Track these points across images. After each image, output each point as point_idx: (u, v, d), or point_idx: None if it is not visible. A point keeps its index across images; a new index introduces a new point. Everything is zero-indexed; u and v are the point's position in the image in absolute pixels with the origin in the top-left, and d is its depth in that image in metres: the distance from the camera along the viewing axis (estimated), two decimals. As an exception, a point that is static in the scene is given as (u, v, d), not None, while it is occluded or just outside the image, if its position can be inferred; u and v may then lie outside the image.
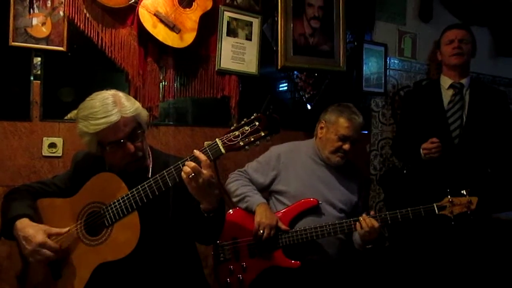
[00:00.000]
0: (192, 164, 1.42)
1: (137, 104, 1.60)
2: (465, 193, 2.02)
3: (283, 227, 2.07)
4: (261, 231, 2.02)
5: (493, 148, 2.47)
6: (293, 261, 2.06)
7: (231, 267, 2.10)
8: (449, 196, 2.02)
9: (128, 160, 1.58)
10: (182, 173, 1.43)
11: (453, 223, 2.00)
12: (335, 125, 2.17)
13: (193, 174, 1.41)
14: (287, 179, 2.20)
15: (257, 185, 2.24)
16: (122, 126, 1.53)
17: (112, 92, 1.59)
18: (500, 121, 2.49)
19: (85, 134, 1.55)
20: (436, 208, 2.02)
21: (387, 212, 2.05)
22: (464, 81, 2.52)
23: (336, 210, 2.17)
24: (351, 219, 2.05)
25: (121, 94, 1.60)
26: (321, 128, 2.25)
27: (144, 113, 1.62)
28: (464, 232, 2.38)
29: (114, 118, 1.50)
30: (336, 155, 2.18)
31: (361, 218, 2.01)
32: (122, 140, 1.54)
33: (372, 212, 2.05)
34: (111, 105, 1.52)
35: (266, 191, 2.27)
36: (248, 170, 2.29)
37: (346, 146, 2.15)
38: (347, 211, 2.20)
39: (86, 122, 1.52)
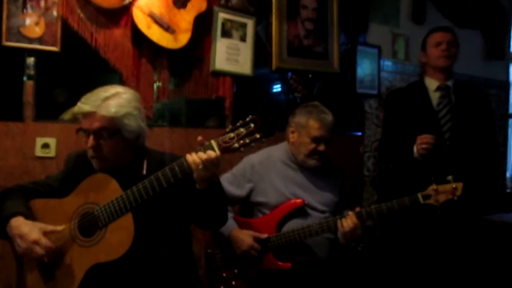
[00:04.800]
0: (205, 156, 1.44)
1: (128, 111, 1.58)
2: (450, 179, 1.97)
3: (262, 236, 2.06)
4: (247, 257, 2.04)
5: (481, 149, 2.50)
6: (284, 263, 2.07)
7: (224, 274, 2.10)
8: (433, 184, 1.99)
9: (89, 153, 1.59)
10: (196, 158, 1.45)
11: (439, 211, 1.97)
12: (306, 128, 2.13)
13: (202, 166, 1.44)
14: (265, 190, 2.17)
15: (233, 198, 2.19)
16: (93, 120, 1.55)
17: (122, 90, 1.62)
18: (484, 121, 2.55)
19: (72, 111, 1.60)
20: (420, 198, 1.99)
21: (372, 206, 2.04)
22: (449, 83, 2.56)
23: (318, 212, 2.16)
24: (337, 216, 2.05)
25: (126, 96, 1.60)
26: (292, 132, 2.20)
27: (132, 123, 1.59)
28: (457, 234, 2.41)
29: (87, 108, 1.54)
30: (312, 157, 2.15)
31: (343, 219, 2.01)
32: (84, 131, 1.57)
33: (357, 208, 2.04)
34: (100, 98, 1.55)
35: (245, 202, 2.24)
36: (223, 183, 2.19)
37: (321, 147, 2.13)
38: (330, 211, 2.20)
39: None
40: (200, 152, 1.46)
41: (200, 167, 1.44)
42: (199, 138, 1.49)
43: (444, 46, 2.52)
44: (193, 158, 1.46)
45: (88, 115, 1.55)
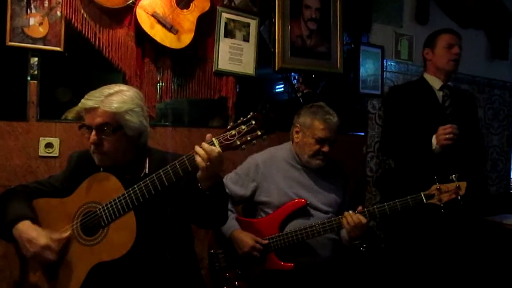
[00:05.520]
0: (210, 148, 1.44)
1: (130, 107, 1.59)
2: (453, 178, 1.96)
3: (263, 242, 2.06)
4: (249, 258, 2.03)
5: (478, 148, 2.57)
6: (286, 264, 2.06)
7: (227, 275, 2.10)
8: (436, 183, 1.97)
9: (91, 148, 1.61)
10: (202, 152, 1.44)
11: (442, 211, 1.96)
12: (311, 128, 2.13)
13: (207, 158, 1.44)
14: (268, 189, 2.17)
15: (237, 198, 2.20)
16: (96, 115, 1.56)
17: (125, 88, 1.64)
18: (475, 121, 2.67)
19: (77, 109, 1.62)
20: (423, 197, 1.97)
21: (374, 206, 2.04)
22: (450, 83, 2.63)
23: (322, 213, 2.16)
24: (339, 216, 2.04)
25: (129, 93, 1.62)
26: (297, 132, 2.21)
27: (134, 120, 1.60)
28: (460, 235, 2.40)
29: (90, 103, 1.56)
30: (316, 158, 2.15)
31: (346, 214, 2.00)
32: (87, 126, 1.58)
33: (359, 208, 2.04)
34: (103, 94, 1.57)
35: (249, 202, 2.24)
36: (227, 182, 2.21)
37: (326, 148, 2.13)
38: (333, 212, 2.19)
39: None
40: (205, 144, 1.45)
41: (205, 157, 1.43)
42: (208, 135, 1.48)
43: (456, 50, 2.55)
44: (198, 149, 1.46)
45: (91, 110, 1.56)
